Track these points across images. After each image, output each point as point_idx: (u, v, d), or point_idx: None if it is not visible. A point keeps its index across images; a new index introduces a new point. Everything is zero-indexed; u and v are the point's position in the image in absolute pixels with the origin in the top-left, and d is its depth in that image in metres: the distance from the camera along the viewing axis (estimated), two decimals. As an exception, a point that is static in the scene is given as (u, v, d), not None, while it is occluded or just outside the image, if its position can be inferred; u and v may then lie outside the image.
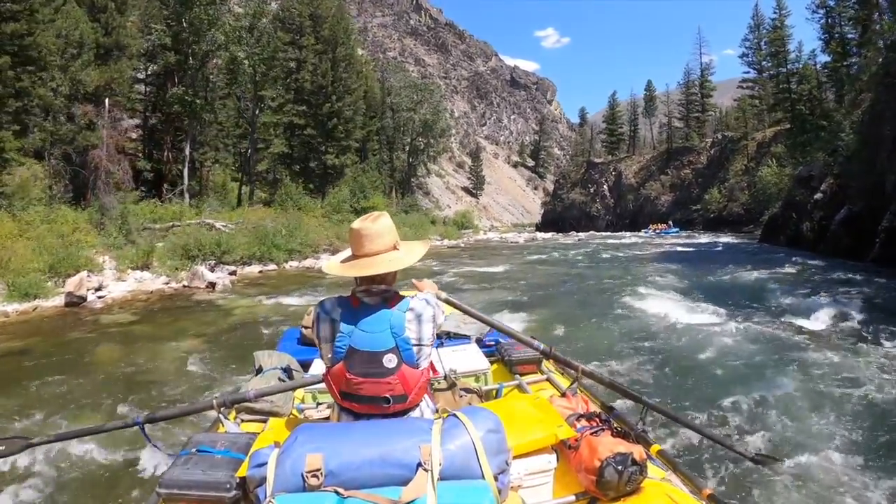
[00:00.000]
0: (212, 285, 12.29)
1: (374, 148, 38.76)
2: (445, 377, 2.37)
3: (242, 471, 1.41)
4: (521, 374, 2.70)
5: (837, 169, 19.19)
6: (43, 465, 3.52)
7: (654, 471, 1.73)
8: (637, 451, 1.63)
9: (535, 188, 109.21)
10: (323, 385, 1.78)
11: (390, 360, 1.46)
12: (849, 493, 2.80)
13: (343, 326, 1.48)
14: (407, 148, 45.20)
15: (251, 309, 9.97)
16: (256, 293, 11.74)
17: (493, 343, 3.03)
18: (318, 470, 1.18)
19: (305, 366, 2.74)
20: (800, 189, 21.86)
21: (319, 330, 1.55)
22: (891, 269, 11.74)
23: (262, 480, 1.26)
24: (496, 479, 1.26)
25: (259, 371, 2.53)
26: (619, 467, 1.59)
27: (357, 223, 1.58)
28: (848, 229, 16.17)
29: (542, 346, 2.30)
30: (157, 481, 1.60)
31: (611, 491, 1.60)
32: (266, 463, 1.28)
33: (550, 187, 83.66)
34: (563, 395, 2.24)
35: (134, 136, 23.12)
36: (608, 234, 46.07)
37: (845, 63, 35.40)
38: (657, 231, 42.13)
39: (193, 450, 1.68)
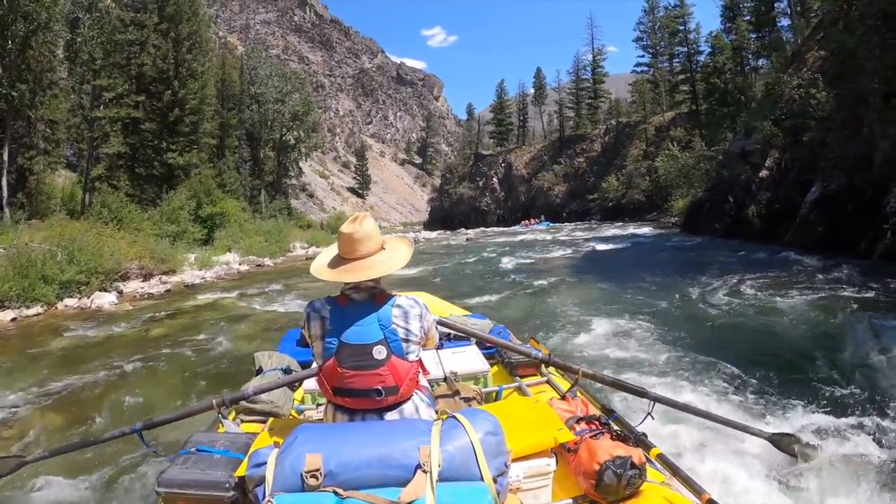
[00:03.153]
0: None
1: (234, 145, 36.57)
2: (446, 379, 2.52)
3: (241, 470, 1.51)
4: (522, 377, 2.86)
5: (786, 140, 17.65)
6: (41, 480, 3.66)
7: (654, 475, 1.84)
8: (636, 454, 1.74)
9: (423, 185, 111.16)
10: None
11: (380, 352, 1.59)
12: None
13: (332, 323, 1.62)
14: (275, 145, 43.19)
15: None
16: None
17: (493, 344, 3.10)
18: (317, 470, 1.26)
19: (305, 366, 2.86)
20: (736, 167, 20.18)
21: (311, 327, 1.67)
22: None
23: (262, 480, 1.34)
24: (495, 481, 1.34)
25: (259, 371, 2.68)
26: (619, 471, 1.70)
27: (347, 227, 1.70)
28: (824, 214, 13.52)
29: (540, 354, 2.49)
30: (156, 482, 1.67)
31: (610, 494, 1.71)
32: (265, 463, 1.36)
33: (438, 184, 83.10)
34: (563, 397, 2.40)
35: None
36: (501, 229, 44.63)
37: (761, 33, 36.97)
38: (528, 225, 42.81)
39: (193, 449, 1.80)
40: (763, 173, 18.46)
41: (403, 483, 1.26)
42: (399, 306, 1.67)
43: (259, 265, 20.47)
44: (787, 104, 19.01)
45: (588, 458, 1.77)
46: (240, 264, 19.58)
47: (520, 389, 2.72)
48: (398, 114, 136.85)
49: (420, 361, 1.72)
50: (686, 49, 47.07)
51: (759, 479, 3.00)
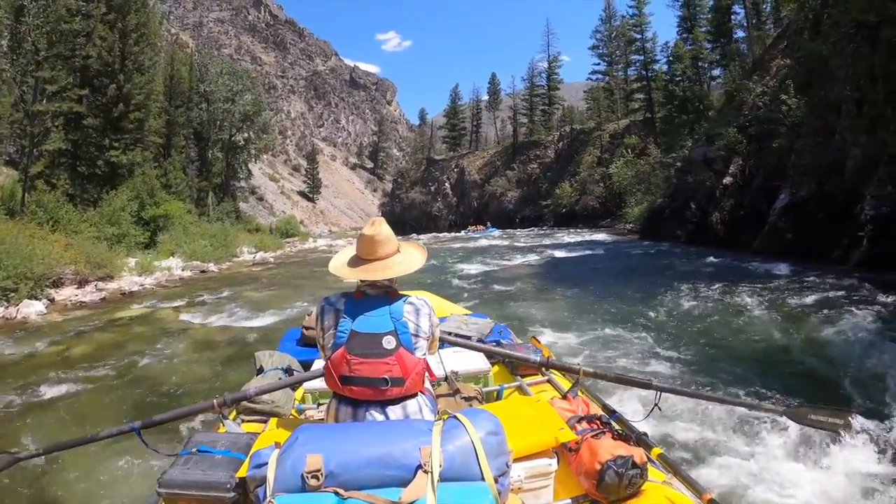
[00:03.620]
0: None
1: (181, 144, 35.45)
2: (446, 378, 2.58)
3: (243, 471, 1.56)
4: (523, 376, 2.93)
5: (750, 147, 18.19)
6: (35, 478, 3.70)
7: (655, 474, 1.91)
8: (638, 454, 1.81)
9: (375, 190, 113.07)
10: (323, 385, 1.97)
11: (389, 342, 1.71)
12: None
13: (346, 313, 1.76)
14: (224, 145, 42.08)
15: None
16: None
17: (494, 344, 3.24)
18: (318, 470, 1.30)
19: (306, 366, 2.98)
20: (699, 173, 20.78)
21: (324, 320, 1.82)
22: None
23: (263, 480, 1.38)
24: (496, 481, 1.39)
25: (260, 371, 2.77)
26: (620, 470, 1.77)
27: (368, 230, 1.87)
28: (794, 221, 13.92)
29: (538, 359, 2.58)
30: (157, 481, 1.73)
31: (611, 494, 1.78)
32: (266, 463, 1.40)
33: (389, 189, 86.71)
34: (564, 397, 2.46)
35: None
36: (453, 235, 45.83)
37: (719, 42, 38.62)
38: (474, 231, 44.34)
39: (194, 449, 1.86)
40: (727, 180, 18.90)
41: (404, 483, 1.30)
42: (411, 303, 1.82)
43: (203, 271, 19.87)
44: (752, 111, 19.55)
45: (589, 457, 1.84)
46: (182, 270, 19.10)
47: (521, 389, 2.81)
48: (350, 117, 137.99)
49: (426, 364, 1.82)
50: (643, 57, 49.73)
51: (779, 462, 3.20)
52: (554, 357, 2.91)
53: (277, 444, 1.45)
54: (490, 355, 3.10)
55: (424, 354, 1.81)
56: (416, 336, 1.77)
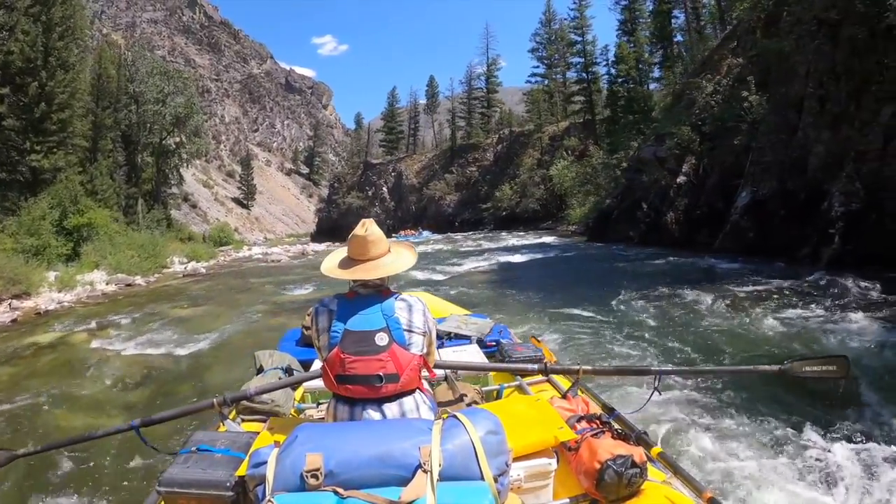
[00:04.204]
0: None
1: (108, 148, 33.73)
2: (446, 378, 2.66)
3: (242, 470, 1.64)
4: (522, 376, 3.00)
5: (703, 146, 18.77)
6: (35, 475, 3.77)
7: (655, 473, 2.01)
8: (637, 453, 1.91)
9: (310, 196, 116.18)
10: (323, 384, 2.02)
11: (381, 339, 1.81)
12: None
13: (339, 314, 1.88)
14: (155, 150, 40.38)
15: None
16: None
17: (493, 343, 3.41)
18: (317, 469, 1.36)
19: (306, 366, 3.06)
20: (654, 172, 20.99)
21: (318, 322, 1.92)
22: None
23: (262, 479, 1.44)
24: (496, 480, 1.45)
25: (260, 371, 2.84)
26: (620, 469, 1.86)
27: (360, 231, 1.98)
28: (755, 219, 14.30)
29: (537, 366, 2.66)
30: (157, 481, 1.80)
31: (611, 493, 1.87)
32: (266, 462, 1.46)
33: (325, 195, 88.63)
34: (564, 396, 2.57)
35: None
36: (427, 237, 45.22)
37: (661, 45, 40.79)
38: (406, 236, 44.36)
39: (194, 448, 1.92)
40: (681, 179, 19.22)
41: (404, 482, 1.35)
42: (403, 300, 1.94)
43: (129, 285, 19.13)
44: (704, 110, 20.11)
45: (589, 456, 1.93)
46: (106, 284, 18.40)
47: (520, 388, 2.93)
48: (285, 122, 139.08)
49: (424, 360, 1.92)
50: (583, 60, 53.21)
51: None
52: (554, 357, 3.08)
53: (277, 444, 1.51)
54: (490, 355, 3.23)
55: (422, 351, 1.90)
56: (410, 332, 1.87)
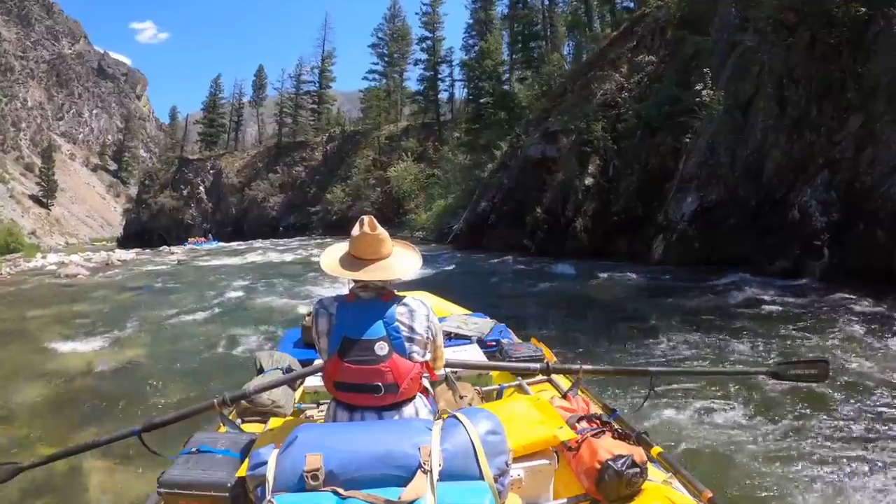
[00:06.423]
0: None
1: None
2: (446, 378, 2.67)
3: (242, 470, 1.67)
4: (523, 375, 3.04)
5: (624, 143, 17.29)
6: (39, 487, 3.77)
7: (655, 473, 2.03)
8: (638, 453, 1.93)
9: (118, 195, 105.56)
10: (323, 385, 2.04)
11: (381, 348, 1.78)
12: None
13: (339, 319, 1.85)
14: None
15: None
16: None
17: (494, 343, 3.43)
18: (317, 470, 1.37)
19: (306, 366, 3.04)
20: (547, 174, 19.00)
21: (318, 325, 1.91)
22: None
23: (262, 480, 1.45)
24: (496, 480, 1.46)
25: (260, 371, 2.88)
26: (620, 469, 1.87)
27: (367, 228, 1.91)
28: (703, 228, 13.25)
29: (538, 366, 2.70)
30: (157, 482, 1.84)
31: (611, 493, 1.88)
32: (266, 462, 1.47)
33: (135, 194, 79.10)
34: (564, 396, 2.60)
35: None
36: (209, 246, 40.76)
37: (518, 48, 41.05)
38: (195, 244, 42.97)
39: (194, 449, 1.96)
40: (588, 181, 17.64)
41: (404, 482, 1.36)
42: (405, 305, 1.89)
43: None
44: (602, 109, 18.79)
45: (589, 456, 1.94)
46: None
47: (521, 388, 2.95)
48: (94, 111, 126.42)
49: (427, 365, 1.92)
50: (430, 57, 51.33)
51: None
52: (554, 357, 3.09)
53: (277, 444, 1.52)
54: (490, 354, 3.26)
55: (424, 357, 1.89)
56: (411, 340, 1.84)
